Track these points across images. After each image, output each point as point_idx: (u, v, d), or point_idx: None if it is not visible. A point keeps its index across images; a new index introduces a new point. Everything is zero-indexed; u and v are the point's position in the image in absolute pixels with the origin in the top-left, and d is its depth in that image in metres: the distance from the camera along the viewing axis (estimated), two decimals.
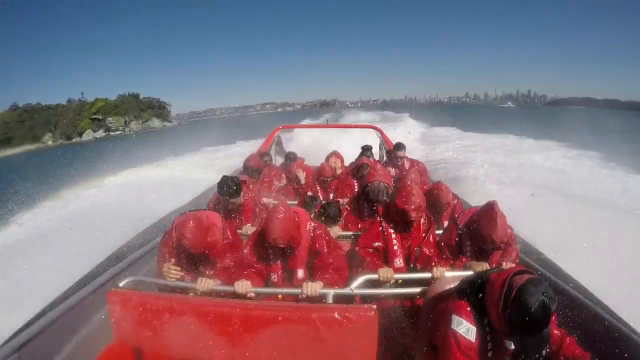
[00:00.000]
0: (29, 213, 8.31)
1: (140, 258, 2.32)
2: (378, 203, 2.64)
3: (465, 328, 1.33)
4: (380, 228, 2.20)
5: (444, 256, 2.24)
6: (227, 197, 2.70)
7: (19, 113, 69.34)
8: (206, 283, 1.88)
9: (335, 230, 2.70)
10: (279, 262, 2.09)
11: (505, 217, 2.02)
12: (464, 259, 2.16)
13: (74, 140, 65.54)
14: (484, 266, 1.98)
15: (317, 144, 9.07)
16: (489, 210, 2.06)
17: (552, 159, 11.01)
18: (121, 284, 1.94)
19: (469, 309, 1.36)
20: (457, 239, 2.24)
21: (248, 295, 1.86)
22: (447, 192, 2.79)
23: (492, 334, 1.33)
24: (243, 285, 1.86)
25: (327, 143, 8.86)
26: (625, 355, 1.51)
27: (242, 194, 2.84)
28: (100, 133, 66.96)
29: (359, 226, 2.89)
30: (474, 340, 1.31)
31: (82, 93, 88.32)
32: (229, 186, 2.67)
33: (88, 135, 65.79)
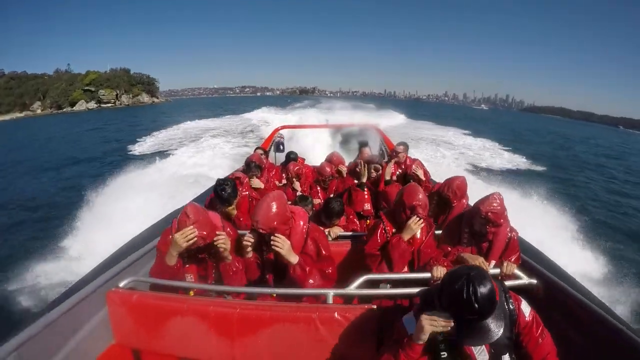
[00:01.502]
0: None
1: (140, 258, 2.28)
2: (375, 164, 3.03)
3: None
4: (384, 233, 2.18)
5: (443, 244, 2.25)
6: (227, 205, 2.58)
7: (5, 80, 69.42)
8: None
9: (336, 230, 2.70)
10: (271, 260, 2.01)
11: (504, 204, 2.08)
12: (460, 249, 2.15)
13: (64, 109, 67.33)
14: (478, 259, 1.98)
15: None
16: (489, 194, 2.11)
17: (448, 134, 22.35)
18: (121, 284, 1.95)
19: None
20: (457, 227, 2.26)
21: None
22: (465, 184, 2.78)
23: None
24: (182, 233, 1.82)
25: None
26: (625, 354, 1.50)
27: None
28: (92, 104, 69.18)
29: (356, 222, 3.02)
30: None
31: (69, 64, 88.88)
32: (224, 190, 2.54)
33: (81, 106, 67.93)
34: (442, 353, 1.23)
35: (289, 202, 2.39)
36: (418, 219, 2.07)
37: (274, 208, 1.86)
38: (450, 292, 1.13)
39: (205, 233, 1.85)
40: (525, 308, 1.36)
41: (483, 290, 1.08)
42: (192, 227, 1.81)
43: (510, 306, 1.32)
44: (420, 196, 2.09)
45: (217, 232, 1.91)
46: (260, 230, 1.84)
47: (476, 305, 1.08)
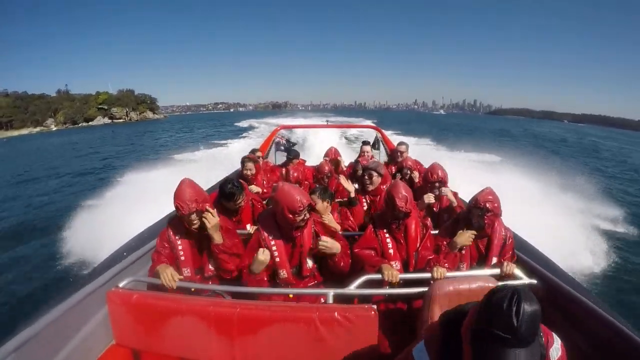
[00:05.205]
0: None
1: (140, 258, 2.29)
2: (375, 171, 2.90)
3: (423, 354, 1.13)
4: (374, 233, 2.19)
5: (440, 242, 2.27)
6: (234, 201, 2.59)
7: (12, 99, 77.11)
8: (172, 275, 1.90)
9: (330, 218, 2.66)
10: (285, 257, 2.05)
11: (498, 195, 2.15)
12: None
13: (79, 125, 79.55)
14: (467, 233, 2.10)
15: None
16: (483, 189, 2.21)
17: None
18: (121, 284, 1.94)
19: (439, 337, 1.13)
20: (454, 229, 2.28)
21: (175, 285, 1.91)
22: (438, 168, 2.98)
23: None
24: (167, 274, 1.90)
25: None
26: (626, 355, 1.49)
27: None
28: (106, 120, 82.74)
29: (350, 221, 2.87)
30: None
31: (66, 85, 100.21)
32: (233, 185, 2.57)
33: (98, 121, 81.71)
34: None
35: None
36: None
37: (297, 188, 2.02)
38: (490, 303, 0.92)
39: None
40: (556, 349, 1.08)
41: (527, 308, 0.87)
42: (175, 274, 1.93)
43: (541, 341, 1.05)
44: (402, 190, 2.10)
45: (207, 207, 2.00)
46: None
47: (515, 321, 0.86)
